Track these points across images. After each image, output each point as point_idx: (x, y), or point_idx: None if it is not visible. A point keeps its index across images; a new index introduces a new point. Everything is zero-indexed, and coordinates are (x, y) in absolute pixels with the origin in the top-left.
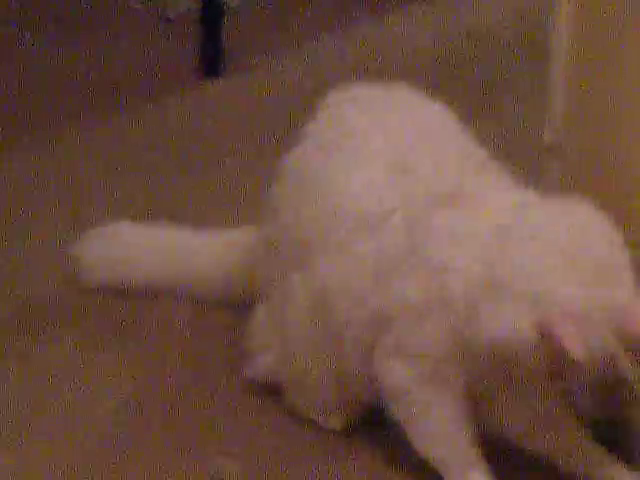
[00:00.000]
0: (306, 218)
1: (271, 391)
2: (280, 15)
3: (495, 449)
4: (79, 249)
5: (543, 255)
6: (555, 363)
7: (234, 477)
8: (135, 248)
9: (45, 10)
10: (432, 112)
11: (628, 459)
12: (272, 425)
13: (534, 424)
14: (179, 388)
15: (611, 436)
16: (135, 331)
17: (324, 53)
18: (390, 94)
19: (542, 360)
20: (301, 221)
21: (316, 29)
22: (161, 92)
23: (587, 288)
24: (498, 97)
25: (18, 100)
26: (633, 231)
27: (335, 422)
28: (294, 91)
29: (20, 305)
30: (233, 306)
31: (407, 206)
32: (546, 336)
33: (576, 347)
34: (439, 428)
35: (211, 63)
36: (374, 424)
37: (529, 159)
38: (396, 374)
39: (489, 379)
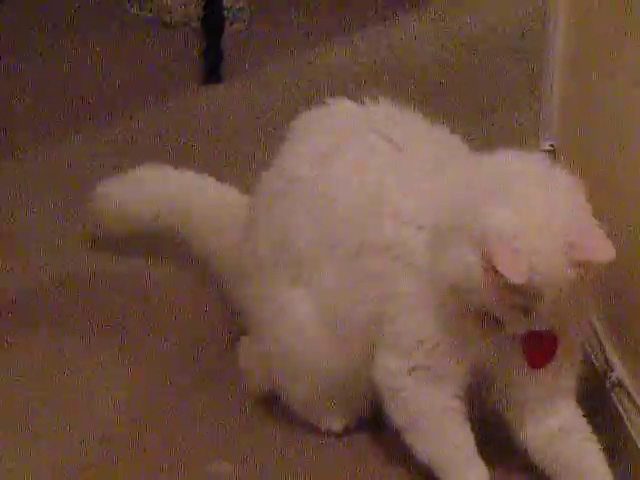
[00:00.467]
0: (305, 232)
1: (269, 396)
2: (279, 23)
3: (492, 449)
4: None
5: (481, 193)
6: (504, 290)
7: None
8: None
9: (46, 16)
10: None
11: None
12: (271, 429)
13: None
14: (178, 393)
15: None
16: (133, 334)
17: (322, 61)
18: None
19: (495, 291)
20: (298, 236)
21: (314, 38)
22: (161, 98)
23: (524, 214)
24: (493, 104)
25: (19, 105)
26: (627, 236)
27: (334, 425)
28: (292, 98)
29: (14, 301)
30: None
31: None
32: (488, 268)
33: (511, 271)
34: (436, 426)
35: (212, 70)
36: (371, 428)
37: None
38: (392, 370)
39: (467, 329)
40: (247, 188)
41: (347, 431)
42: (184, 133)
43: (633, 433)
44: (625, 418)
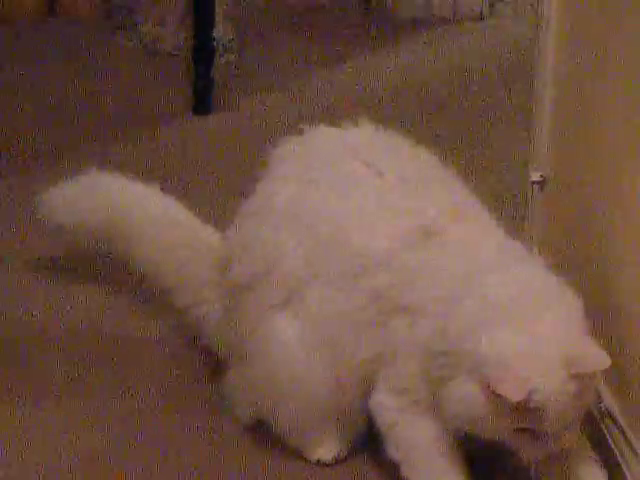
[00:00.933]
0: (293, 253)
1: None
2: (270, 53)
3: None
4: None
5: (473, 318)
6: (509, 415)
7: None
8: (104, 199)
9: (34, 44)
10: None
11: None
12: (261, 458)
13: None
14: (164, 424)
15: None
16: (115, 369)
17: (313, 90)
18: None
19: (501, 417)
20: (287, 256)
21: (305, 67)
22: (151, 127)
23: (521, 337)
24: (484, 130)
25: (7, 133)
26: (616, 267)
27: (324, 454)
28: (283, 127)
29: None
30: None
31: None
32: (490, 394)
33: (511, 391)
34: (429, 459)
35: (201, 100)
36: (360, 458)
37: (514, 191)
38: (386, 405)
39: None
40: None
41: (337, 461)
42: (173, 163)
43: (621, 462)
44: (614, 448)
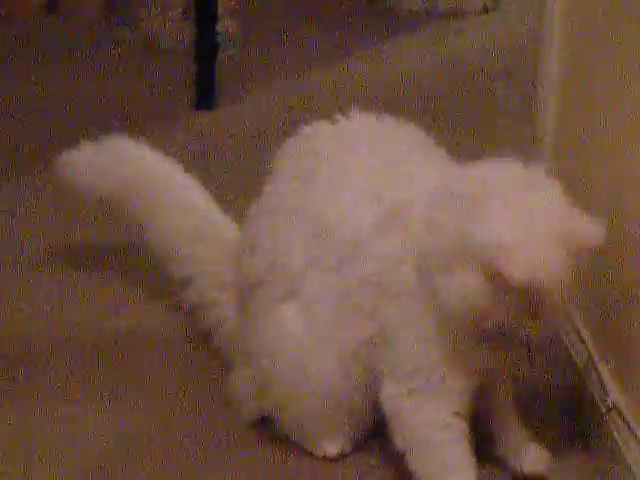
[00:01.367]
0: (292, 246)
1: (263, 421)
2: (273, 47)
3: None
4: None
5: (462, 210)
6: (511, 297)
7: None
8: (129, 163)
9: (35, 39)
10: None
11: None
12: (266, 451)
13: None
14: (172, 418)
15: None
16: (128, 371)
17: (314, 85)
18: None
19: (503, 301)
20: (288, 251)
21: (308, 61)
22: (153, 123)
23: (514, 219)
24: (486, 125)
25: (12, 131)
26: (621, 256)
27: (330, 448)
28: (286, 122)
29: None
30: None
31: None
32: (492, 278)
33: (514, 271)
34: (434, 447)
35: (204, 96)
36: (370, 450)
37: None
38: (391, 394)
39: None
40: (238, 214)
41: (342, 456)
42: (176, 160)
43: (628, 458)
44: (621, 443)
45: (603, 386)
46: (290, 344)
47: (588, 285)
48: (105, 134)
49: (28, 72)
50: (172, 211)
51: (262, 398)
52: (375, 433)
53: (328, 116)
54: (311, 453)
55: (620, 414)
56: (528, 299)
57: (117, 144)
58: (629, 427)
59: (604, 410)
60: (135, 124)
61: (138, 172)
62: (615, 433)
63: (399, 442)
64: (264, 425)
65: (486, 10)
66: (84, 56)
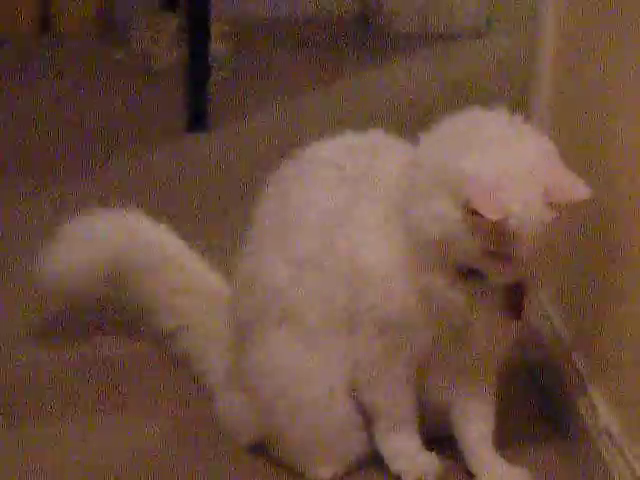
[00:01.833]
0: (279, 271)
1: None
2: (266, 69)
3: None
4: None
5: (454, 145)
6: (487, 233)
7: None
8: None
9: (28, 58)
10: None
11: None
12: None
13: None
14: (168, 457)
15: (518, 299)
16: (121, 399)
17: (307, 108)
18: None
19: (476, 237)
20: (275, 275)
21: (301, 82)
22: (146, 145)
23: (499, 158)
24: None
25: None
26: (616, 248)
27: (323, 473)
28: (277, 143)
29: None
30: None
31: None
32: (468, 212)
33: (489, 208)
34: (389, 394)
35: (197, 117)
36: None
37: None
38: (361, 343)
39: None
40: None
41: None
42: (169, 181)
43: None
44: (611, 466)
45: (593, 408)
46: (284, 370)
47: (580, 299)
48: (93, 157)
49: (18, 92)
50: (164, 271)
51: (256, 423)
52: (370, 460)
53: (319, 138)
54: (305, 478)
55: (611, 437)
56: (501, 240)
57: (92, 221)
58: (621, 451)
59: (595, 433)
60: (126, 146)
61: (131, 240)
62: (606, 456)
63: (364, 392)
64: (256, 450)
65: (479, 34)
66: (76, 76)
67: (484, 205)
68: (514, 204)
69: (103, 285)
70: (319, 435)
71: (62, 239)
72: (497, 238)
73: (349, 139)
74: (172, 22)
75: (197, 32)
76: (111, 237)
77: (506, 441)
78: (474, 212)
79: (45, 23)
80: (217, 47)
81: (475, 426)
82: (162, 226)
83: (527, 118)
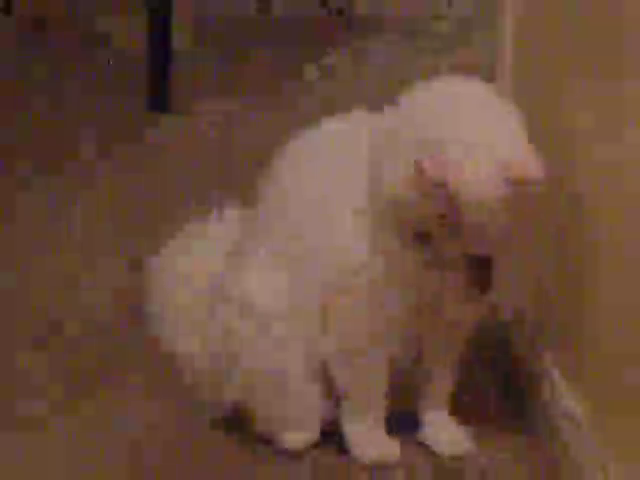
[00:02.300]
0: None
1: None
2: (228, 60)
3: None
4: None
5: (416, 111)
6: (437, 198)
7: None
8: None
9: None
10: None
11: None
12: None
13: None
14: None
15: (483, 274)
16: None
17: (272, 99)
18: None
19: (426, 200)
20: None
21: (267, 73)
22: (105, 125)
23: (458, 128)
24: None
25: None
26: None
27: (296, 441)
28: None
29: None
30: None
31: None
32: (418, 171)
33: (435, 169)
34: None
35: (157, 100)
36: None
37: None
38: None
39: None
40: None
41: (308, 449)
42: (129, 168)
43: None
44: (572, 447)
45: (555, 390)
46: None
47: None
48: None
49: None
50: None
51: (228, 391)
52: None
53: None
54: (277, 446)
55: (574, 420)
56: (449, 207)
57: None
58: (581, 431)
59: (557, 414)
60: (92, 133)
61: None
62: (567, 438)
63: (340, 373)
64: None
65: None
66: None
67: (429, 164)
68: (459, 168)
69: None
70: (287, 402)
71: None
72: (447, 202)
73: (334, 123)
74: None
75: (157, 17)
76: None
77: (468, 419)
78: (421, 171)
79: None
80: (180, 37)
81: (432, 389)
82: None
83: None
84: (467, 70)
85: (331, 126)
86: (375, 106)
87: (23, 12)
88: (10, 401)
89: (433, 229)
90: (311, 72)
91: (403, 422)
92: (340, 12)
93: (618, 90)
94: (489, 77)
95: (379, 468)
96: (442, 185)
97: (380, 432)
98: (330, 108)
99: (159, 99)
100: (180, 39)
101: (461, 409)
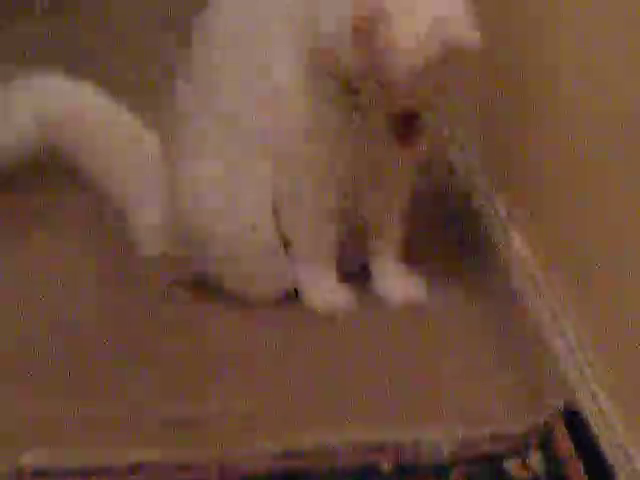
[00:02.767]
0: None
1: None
2: None
3: None
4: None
5: None
6: (366, 48)
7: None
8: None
9: None
10: None
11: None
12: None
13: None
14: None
15: (406, 130)
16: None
17: None
18: None
19: (357, 50)
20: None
21: None
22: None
23: None
24: None
25: None
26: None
27: (266, 294)
28: None
29: None
30: None
31: None
32: (352, 17)
33: (362, 5)
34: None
35: None
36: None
37: None
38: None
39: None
40: None
41: (277, 303)
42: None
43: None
44: (524, 289)
45: (510, 241)
46: (211, 196)
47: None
48: None
49: None
50: (105, 130)
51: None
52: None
53: None
54: (245, 302)
55: (523, 261)
56: (378, 63)
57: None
58: (531, 275)
59: (509, 263)
60: None
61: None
62: (517, 283)
63: (284, 217)
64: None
65: None
66: None
67: (361, 13)
68: (395, 21)
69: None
70: (252, 257)
71: None
72: (378, 55)
73: None
74: None
75: None
76: (38, 105)
77: (422, 269)
78: (355, 19)
79: None
80: None
81: (380, 241)
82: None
83: None
84: None
85: None
86: None
87: None
88: None
89: (363, 82)
90: None
91: (359, 277)
92: None
93: None
94: None
95: (331, 317)
96: (373, 36)
97: (331, 281)
98: None
99: None
100: None
101: (414, 260)
